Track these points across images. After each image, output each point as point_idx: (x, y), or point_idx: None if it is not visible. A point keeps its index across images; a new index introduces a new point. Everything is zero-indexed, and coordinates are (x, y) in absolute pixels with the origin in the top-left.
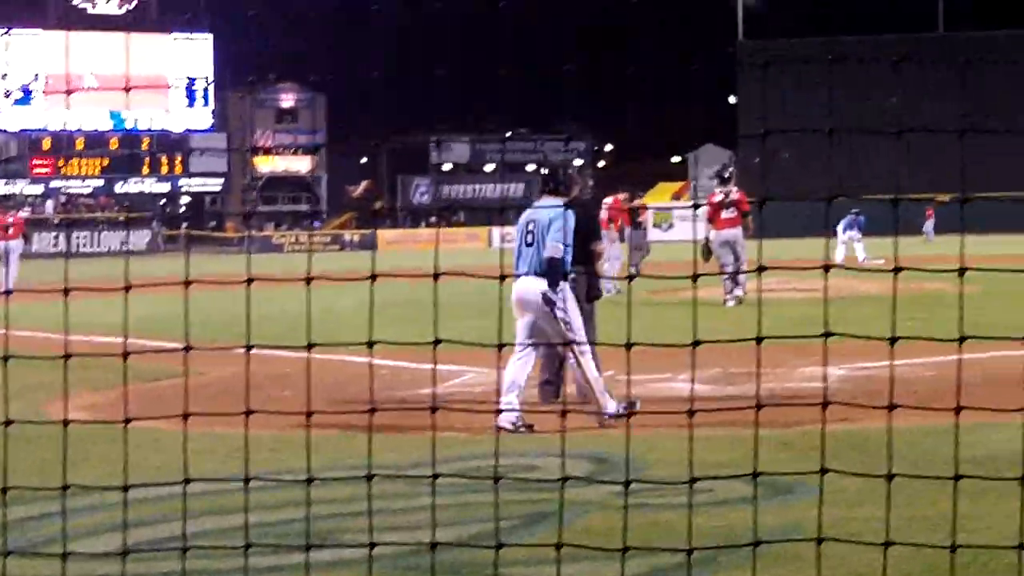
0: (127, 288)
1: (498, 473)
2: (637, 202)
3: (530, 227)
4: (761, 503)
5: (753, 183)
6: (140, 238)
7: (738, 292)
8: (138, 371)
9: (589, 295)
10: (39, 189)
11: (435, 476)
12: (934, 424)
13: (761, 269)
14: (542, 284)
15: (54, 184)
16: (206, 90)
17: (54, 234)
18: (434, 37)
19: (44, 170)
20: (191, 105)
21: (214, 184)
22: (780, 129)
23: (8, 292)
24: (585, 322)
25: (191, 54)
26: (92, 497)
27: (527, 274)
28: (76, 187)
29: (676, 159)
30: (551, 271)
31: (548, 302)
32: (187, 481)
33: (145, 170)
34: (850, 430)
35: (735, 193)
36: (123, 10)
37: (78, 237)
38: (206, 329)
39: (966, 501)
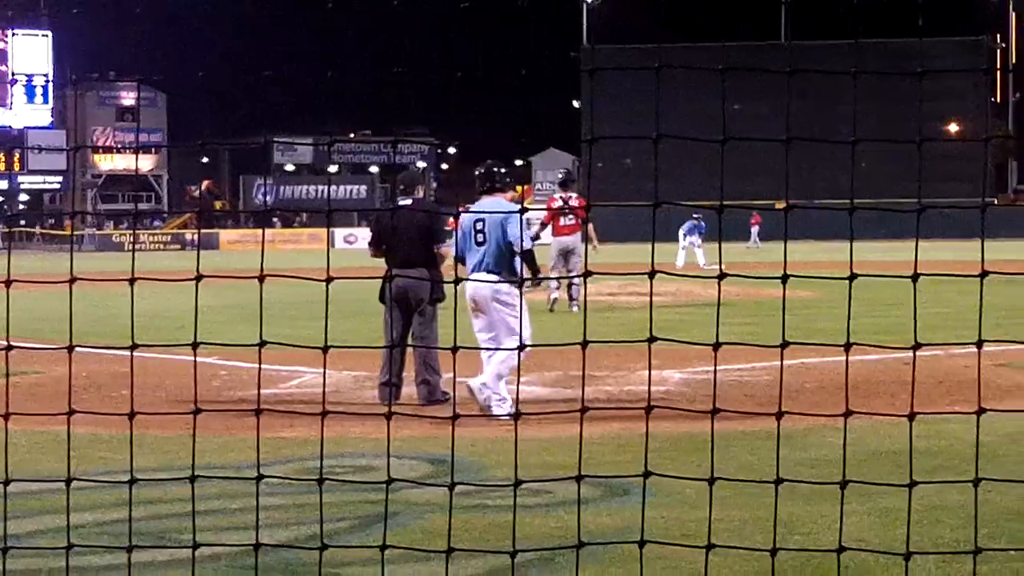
0: None
1: (334, 474)
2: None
3: (479, 226)
4: (600, 504)
5: (599, 187)
6: None
7: (554, 294)
8: None
9: (432, 297)
10: None
11: (259, 477)
12: (773, 427)
13: (587, 275)
14: (492, 279)
15: None
16: (45, 87)
17: None
18: (278, 36)
19: None
20: (31, 102)
21: (53, 181)
22: (607, 136)
23: None
24: (427, 324)
25: (30, 51)
26: None
27: (478, 271)
28: None
29: (519, 162)
30: (529, 262)
31: (501, 299)
32: (7, 482)
33: None
34: (691, 432)
35: (575, 199)
36: None
37: None
38: (45, 327)
39: (801, 502)
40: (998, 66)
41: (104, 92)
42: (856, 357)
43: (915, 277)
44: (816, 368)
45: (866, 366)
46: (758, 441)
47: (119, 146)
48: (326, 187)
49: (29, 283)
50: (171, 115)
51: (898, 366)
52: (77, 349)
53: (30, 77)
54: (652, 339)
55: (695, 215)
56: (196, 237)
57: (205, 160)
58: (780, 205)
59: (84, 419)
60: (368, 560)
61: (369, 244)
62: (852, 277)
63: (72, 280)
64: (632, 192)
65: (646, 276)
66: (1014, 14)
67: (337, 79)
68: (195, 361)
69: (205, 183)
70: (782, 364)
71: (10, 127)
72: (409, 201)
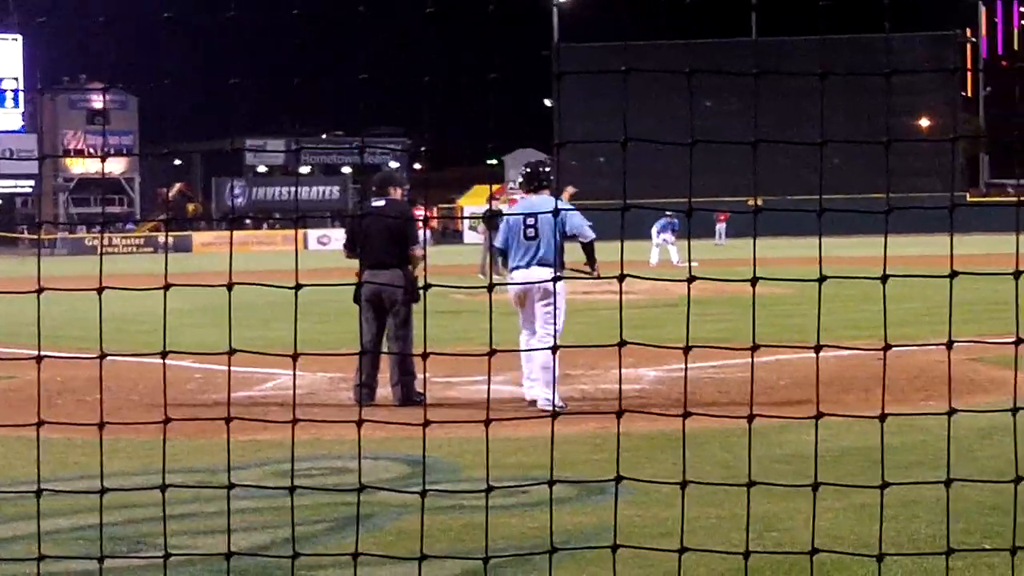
0: None
1: (310, 476)
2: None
3: (529, 222)
4: (576, 503)
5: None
6: None
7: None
8: None
9: (408, 297)
10: None
11: (231, 486)
12: (753, 425)
13: (557, 279)
14: (545, 273)
15: None
16: (16, 91)
17: None
18: (245, 39)
19: None
20: (2, 106)
21: (25, 185)
22: (575, 140)
23: None
24: (401, 326)
25: (0, 55)
26: None
27: (530, 265)
28: None
29: (493, 161)
30: (591, 252)
31: (551, 290)
32: None
33: None
34: (665, 431)
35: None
36: None
37: None
38: (23, 331)
39: (778, 499)
40: (968, 62)
41: (75, 95)
42: (830, 354)
43: (884, 278)
44: (791, 364)
45: (841, 361)
46: (733, 438)
47: (90, 149)
48: (299, 189)
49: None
50: (142, 118)
51: (873, 361)
52: (50, 352)
53: (0, 81)
54: (622, 343)
55: (668, 212)
56: (167, 241)
57: (178, 162)
58: (752, 202)
59: (56, 425)
60: (345, 562)
61: (344, 246)
62: (822, 279)
63: (40, 291)
64: (606, 190)
65: (619, 278)
66: (984, 9)
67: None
68: (164, 372)
69: (178, 185)
70: (753, 368)
71: None
72: (382, 202)
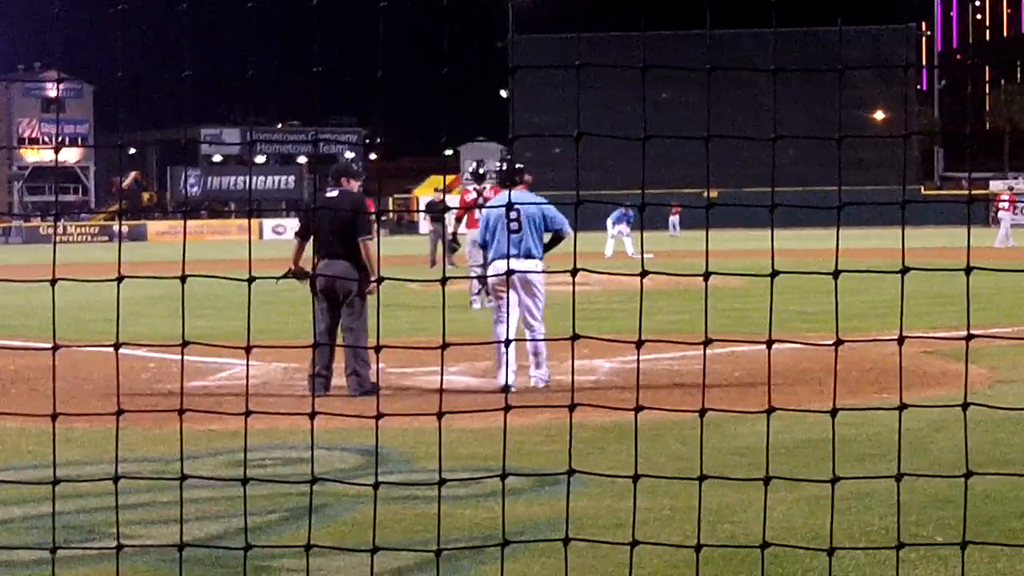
0: None
1: (264, 466)
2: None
3: (512, 216)
4: (530, 494)
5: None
6: None
7: (481, 296)
8: None
9: (360, 289)
10: None
11: (183, 478)
12: (708, 417)
13: (509, 273)
14: (529, 264)
15: None
16: None
17: None
18: (199, 28)
19: None
20: None
21: None
22: (528, 134)
23: None
24: (355, 317)
25: None
26: None
27: (516, 257)
28: None
29: (448, 152)
30: (552, 245)
31: (537, 280)
32: None
33: None
34: (619, 422)
35: (489, 191)
36: None
37: None
38: None
39: (732, 491)
40: (923, 56)
41: (30, 83)
42: (784, 346)
43: (836, 274)
44: (745, 356)
45: (796, 353)
46: (688, 430)
47: (45, 138)
48: (254, 178)
49: None
50: (97, 106)
51: (826, 353)
52: (4, 342)
53: None
54: (576, 336)
55: (625, 203)
56: (121, 230)
57: (133, 151)
58: (707, 195)
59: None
60: (299, 553)
61: (296, 233)
62: (774, 274)
63: None
64: (562, 181)
65: (575, 271)
66: (939, 3)
67: (261, 71)
68: (117, 362)
69: (133, 174)
70: (705, 363)
71: None
72: (335, 193)
